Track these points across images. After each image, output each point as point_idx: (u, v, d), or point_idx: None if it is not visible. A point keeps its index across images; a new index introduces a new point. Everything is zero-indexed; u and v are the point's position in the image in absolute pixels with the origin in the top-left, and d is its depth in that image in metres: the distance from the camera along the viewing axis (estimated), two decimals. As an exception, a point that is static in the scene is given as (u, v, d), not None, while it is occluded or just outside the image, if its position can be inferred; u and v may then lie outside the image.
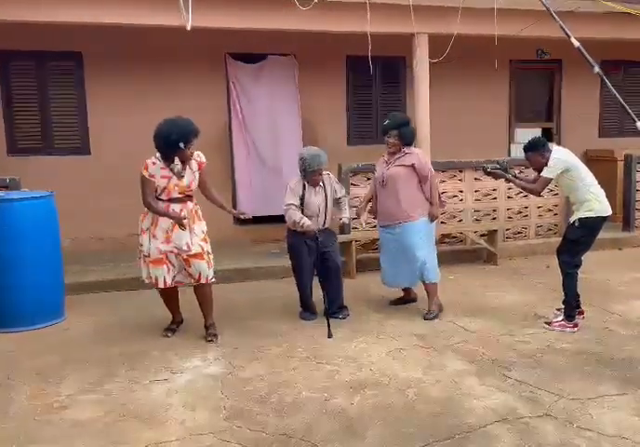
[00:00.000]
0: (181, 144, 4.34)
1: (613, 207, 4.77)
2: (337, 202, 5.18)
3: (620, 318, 4.97)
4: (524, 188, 4.96)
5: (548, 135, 9.05)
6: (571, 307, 4.70)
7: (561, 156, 4.64)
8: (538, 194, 4.90)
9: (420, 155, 5.20)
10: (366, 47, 6.20)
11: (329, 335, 4.64)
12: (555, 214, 7.70)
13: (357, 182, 6.84)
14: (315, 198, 4.99)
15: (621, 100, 4.47)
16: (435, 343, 4.48)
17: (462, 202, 7.31)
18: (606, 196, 4.73)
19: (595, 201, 4.62)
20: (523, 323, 4.86)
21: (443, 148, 7.15)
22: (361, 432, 3.18)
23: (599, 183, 4.73)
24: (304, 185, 4.97)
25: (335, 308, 5.07)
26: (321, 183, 5.03)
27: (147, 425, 3.30)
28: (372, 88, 8.38)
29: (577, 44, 4.24)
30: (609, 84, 4.34)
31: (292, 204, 4.92)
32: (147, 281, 4.63)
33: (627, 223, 7.92)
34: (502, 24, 6.54)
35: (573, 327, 4.67)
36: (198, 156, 4.60)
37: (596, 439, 3.06)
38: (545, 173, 4.65)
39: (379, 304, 5.48)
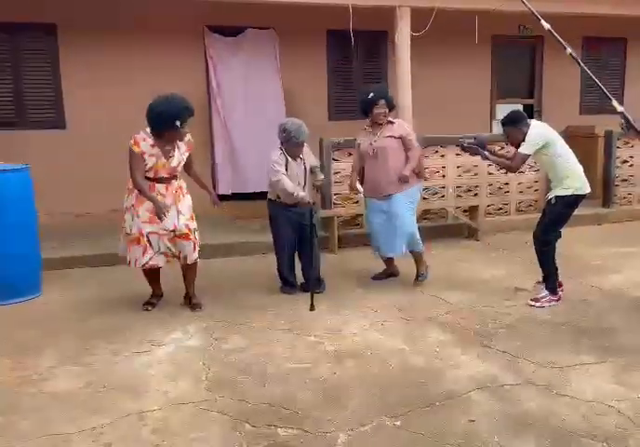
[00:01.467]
0: (177, 123, 4.25)
1: (593, 183, 4.72)
2: (311, 171, 5.07)
3: (599, 290, 5.03)
4: (500, 165, 4.83)
5: (529, 111, 9.06)
6: (553, 281, 4.72)
7: (539, 131, 4.51)
8: (515, 171, 4.73)
9: (404, 123, 5.34)
10: (348, 20, 6.12)
11: (312, 308, 4.63)
12: (536, 190, 7.73)
13: (339, 158, 6.79)
14: (297, 170, 4.94)
15: (596, 79, 4.47)
16: (417, 315, 4.50)
17: (444, 178, 7.31)
18: (587, 172, 4.65)
19: (574, 179, 4.53)
20: (503, 296, 4.90)
21: (424, 124, 7.11)
22: (343, 401, 3.18)
23: (580, 160, 4.64)
24: (286, 158, 4.91)
25: (312, 281, 5.04)
26: (301, 155, 4.98)
27: (128, 395, 3.27)
28: (353, 63, 8.29)
29: (547, 26, 4.22)
30: (583, 65, 4.33)
31: (284, 173, 4.82)
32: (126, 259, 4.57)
33: (606, 199, 7.99)
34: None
35: (558, 300, 4.70)
36: (188, 139, 4.53)
37: (575, 404, 3.10)
38: (523, 149, 4.50)
39: (360, 278, 5.48)
